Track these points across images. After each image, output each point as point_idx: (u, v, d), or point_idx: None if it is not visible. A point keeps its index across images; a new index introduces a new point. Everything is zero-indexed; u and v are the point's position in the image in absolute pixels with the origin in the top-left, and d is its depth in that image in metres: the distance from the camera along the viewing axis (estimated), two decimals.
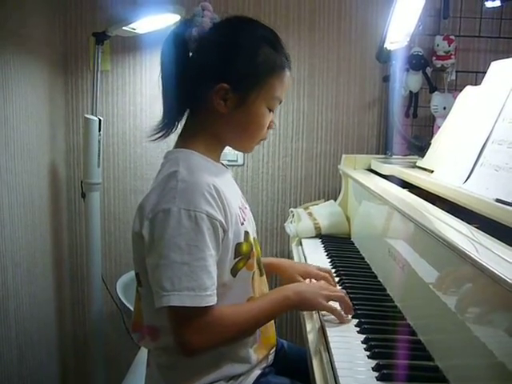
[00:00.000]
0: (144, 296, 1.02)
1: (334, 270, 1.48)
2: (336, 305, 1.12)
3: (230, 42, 1.00)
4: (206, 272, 0.92)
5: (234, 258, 1.01)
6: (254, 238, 1.10)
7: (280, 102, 1.07)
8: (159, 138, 1.06)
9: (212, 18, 1.02)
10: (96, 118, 1.95)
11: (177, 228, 0.90)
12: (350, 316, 1.12)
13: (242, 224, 1.03)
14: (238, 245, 1.02)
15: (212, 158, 1.06)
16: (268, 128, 1.08)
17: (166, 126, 1.05)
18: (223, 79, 0.99)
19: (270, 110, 1.05)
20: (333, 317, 1.11)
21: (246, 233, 1.04)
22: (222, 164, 1.12)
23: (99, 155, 1.97)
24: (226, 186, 1.01)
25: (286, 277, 1.30)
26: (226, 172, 1.11)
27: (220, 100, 1.00)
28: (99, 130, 1.96)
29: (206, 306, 0.92)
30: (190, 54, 1.02)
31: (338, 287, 1.29)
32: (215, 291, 0.93)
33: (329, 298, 1.09)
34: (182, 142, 1.06)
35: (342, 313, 1.11)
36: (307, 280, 1.28)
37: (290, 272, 1.29)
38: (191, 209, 0.91)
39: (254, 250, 1.07)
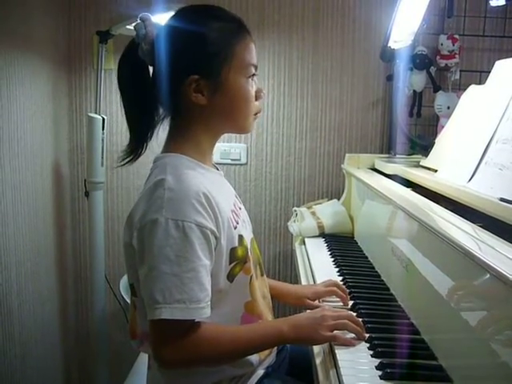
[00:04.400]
0: (139, 306, 1.00)
1: (337, 270, 1.48)
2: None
3: (178, 36, 0.99)
4: (198, 283, 0.89)
5: (230, 264, 0.99)
6: (251, 240, 1.09)
7: (256, 67, 1.04)
8: (129, 161, 1.05)
9: (155, 26, 1.01)
10: (99, 117, 1.96)
11: (165, 239, 0.89)
12: (360, 338, 1.02)
13: (235, 228, 1.01)
14: (233, 250, 1.00)
15: (202, 159, 1.03)
16: (257, 99, 1.06)
17: (135, 150, 1.04)
18: (190, 72, 0.98)
19: (249, 77, 1.02)
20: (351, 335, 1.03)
21: (240, 236, 1.02)
22: (215, 166, 1.11)
23: (103, 154, 1.97)
24: (216, 189, 0.99)
25: (292, 301, 1.26)
26: (216, 174, 1.08)
27: (196, 93, 0.99)
28: (103, 129, 1.96)
29: (195, 322, 0.91)
30: (151, 68, 1.02)
31: (349, 300, 1.24)
32: (209, 303, 0.91)
33: (333, 329, 1.00)
34: (169, 146, 1.04)
35: (347, 337, 1.01)
36: (317, 301, 1.25)
37: (296, 296, 1.25)
38: (179, 219, 0.89)
39: (250, 253, 1.04)
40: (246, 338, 0.98)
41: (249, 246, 1.05)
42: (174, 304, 0.87)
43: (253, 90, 1.04)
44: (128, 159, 1.05)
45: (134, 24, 1.02)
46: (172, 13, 1.05)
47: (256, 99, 1.05)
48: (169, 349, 0.91)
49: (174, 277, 0.88)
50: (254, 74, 1.04)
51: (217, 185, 1.03)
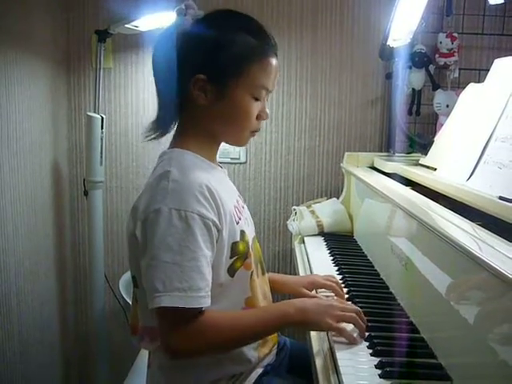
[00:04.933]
0: (140, 298, 1.01)
1: (336, 268, 1.49)
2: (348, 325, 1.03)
3: (204, 34, 0.99)
4: (199, 273, 0.90)
5: (231, 258, 1.00)
6: (253, 238, 1.09)
7: (268, 91, 1.04)
8: (154, 138, 1.04)
9: (195, 16, 1.02)
10: (98, 116, 1.96)
11: (167, 228, 0.89)
12: (362, 339, 1.02)
13: (238, 223, 1.02)
14: (234, 244, 1.00)
15: (206, 156, 1.05)
16: (258, 118, 1.05)
17: (160, 126, 1.04)
18: (200, 71, 0.98)
19: (257, 99, 1.02)
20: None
21: (242, 232, 1.03)
22: (218, 164, 1.11)
23: (102, 153, 1.97)
24: (220, 185, 1.00)
25: (287, 291, 1.26)
26: (220, 171, 1.10)
27: (199, 92, 0.99)
28: (102, 128, 1.96)
29: (197, 310, 0.91)
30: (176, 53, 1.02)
31: (349, 303, 1.19)
32: (209, 293, 0.92)
33: (340, 320, 1.00)
34: (175, 142, 1.05)
35: (355, 334, 1.01)
36: (314, 291, 1.25)
37: (292, 286, 1.25)
38: (182, 209, 0.90)
39: (251, 249, 1.05)
40: (252, 320, 0.98)
41: (250, 243, 1.06)
42: (174, 292, 0.88)
43: (256, 110, 1.03)
44: (155, 135, 1.04)
45: (176, 8, 1.03)
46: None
47: (257, 118, 1.05)
48: (175, 337, 0.91)
49: (174, 265, 0.89)
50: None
51: (220, 182, 1.04)
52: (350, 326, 1.02)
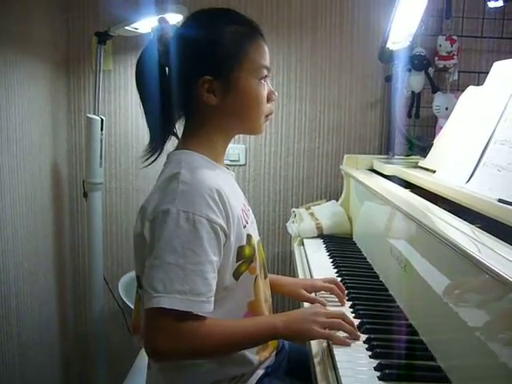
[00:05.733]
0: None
1: (335, 270, 1.49)
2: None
3: (192, 38, 1.01)
4: (202, 278, 0.89)
5: (236, 261, 1.00)
6: (258, 241, 1.09)
7: (268, 70, 1.06)
8: (152, 162, 1.05)
9: (172, 29, 1.04)
10: (98, 118, 1.96)
11: (174, 230, 0.89)
12: (355, 338, 1.01)
13: (245, 227, 1.02)
14: (240, 248, 1.00)
15: (214, 158, 1.05)
16: (269, 101, 1.07)
17: (155, 149, 1.05)
18: (203, 73, 0.99)
19: (261, 80, 1.03)
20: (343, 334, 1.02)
21: (249, 236, 1.03)
22: (226, 166, 1.11)
23: (101, 155, 1.97)
24: (228, 188, 1.00)
25: (286, 292, 1.27)
26: (228, 174, 1.10)
27: (208, 93, 1.00)
28: (101, 130, 1.96)
29: (196, 314, 0.90)
30: (167, 69, 1.03)
31: (346, 303, 1.22)
32: (211, 299, 0.91)
33: (326, 326, 1.00)
34: (183, 143, 1.06)
35: (341, 337, 1.01)
36: (313, 294, 1.25)
37: (291, 288, 1.26)
38: (190, 211, 0.90)
39: (256, 253, 1.05)
40: (241, 332, 0.97)
41: (256, 247, 1.06)
42: (173, 294, 0.87)
43: (265, 92, 1.05)
44: (152, 159, 1.05)
45: (152, 26, 1.05)
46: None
47: (268, 101, 1.07)
48: (162, 339, 0.89)
49: (177, 268, 0.88)
50: (266, 76, 1.05)
51: (228, 184, 1.04)
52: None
